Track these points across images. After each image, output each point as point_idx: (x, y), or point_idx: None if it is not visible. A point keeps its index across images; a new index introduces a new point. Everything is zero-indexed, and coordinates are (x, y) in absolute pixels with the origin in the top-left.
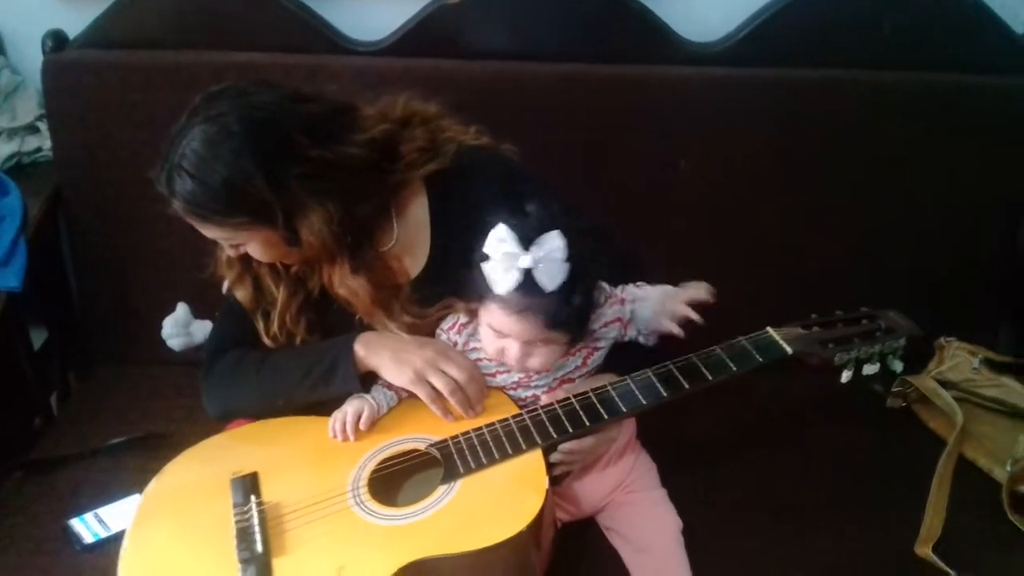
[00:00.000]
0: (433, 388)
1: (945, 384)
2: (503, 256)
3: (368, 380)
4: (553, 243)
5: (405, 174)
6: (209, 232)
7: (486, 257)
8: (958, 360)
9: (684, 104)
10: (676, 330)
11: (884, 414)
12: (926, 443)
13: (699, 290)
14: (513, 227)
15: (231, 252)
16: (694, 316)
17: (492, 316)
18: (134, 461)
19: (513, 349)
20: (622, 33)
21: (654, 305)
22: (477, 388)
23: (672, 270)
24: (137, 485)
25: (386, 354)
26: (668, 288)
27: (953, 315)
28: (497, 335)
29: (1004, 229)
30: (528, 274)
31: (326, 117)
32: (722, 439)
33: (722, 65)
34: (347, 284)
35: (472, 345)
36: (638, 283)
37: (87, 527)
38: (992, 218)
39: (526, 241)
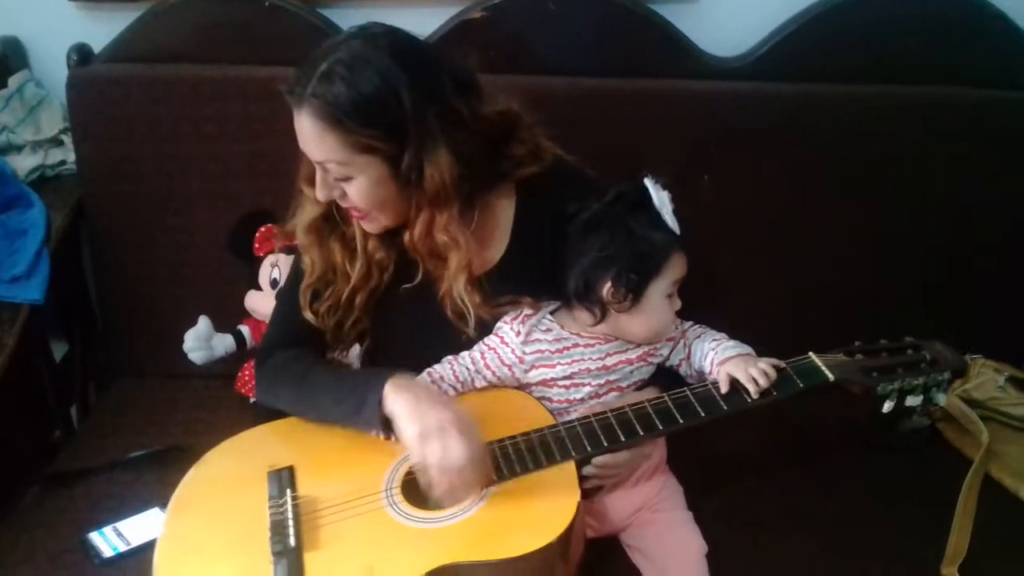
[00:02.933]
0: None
1: (970, 402)
2: (665, 201)
3: None
4: (648, 180)
5: (510, 170)
6: (326, 150)
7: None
8: (984, 378)
9: (707, 118)
10: (726, 387)
11: (910, 433)
12: (952, 462)
13: (771, 370)
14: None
15: (322, 195)
16: (751, 389)
17: (674, 270)
18: (154, 474)
19: (677, 299)
20: (645, 48)
21: (723, 355)
22: (470, 475)
23: (695, 288)
24: (157, 499)
25: (405, 406)
26: (748, 350)
27: (979, 332)
28: (670, 295)
29: None
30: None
31: (467, 75)
32: (746, 458)
33: (745, 80)
34: (451, 231)
35: (535, 336)
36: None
37: (106, 541)
38: (1018, 233)
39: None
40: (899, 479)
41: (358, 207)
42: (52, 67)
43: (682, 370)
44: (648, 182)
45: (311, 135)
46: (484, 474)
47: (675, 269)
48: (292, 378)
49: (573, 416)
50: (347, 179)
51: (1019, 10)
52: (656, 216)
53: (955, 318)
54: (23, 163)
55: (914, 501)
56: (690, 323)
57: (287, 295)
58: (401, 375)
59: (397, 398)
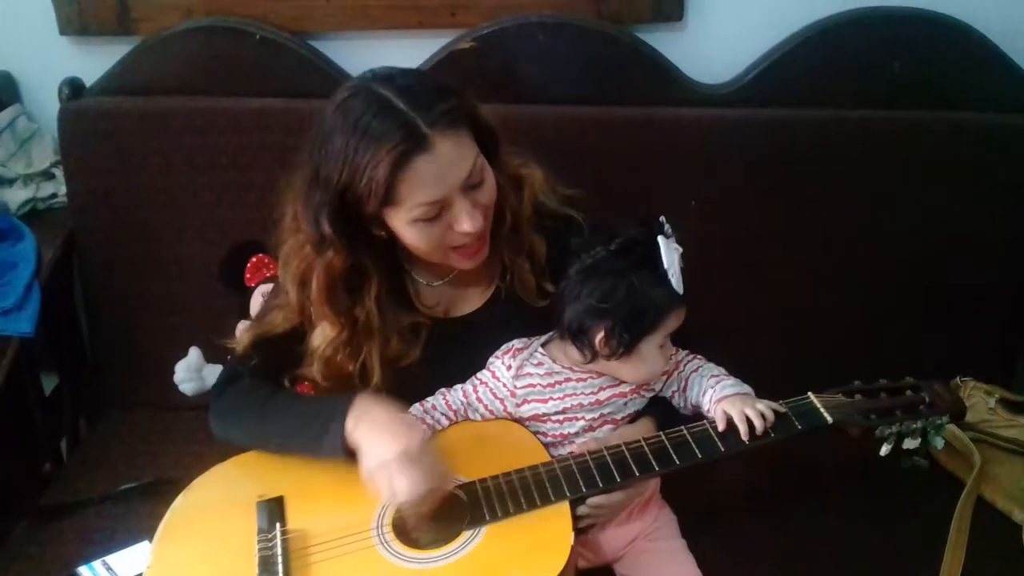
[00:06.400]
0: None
1: (962, 425)
2: (674, 259)
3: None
4: (663, 226)
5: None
6: (472, 151)
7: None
8: (974, 400)
9: (695, 145)
10: (723, 425)
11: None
12: (945, 485)
13: (768, 412)
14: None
15: (474, 224)
16: (743, 430)
17: (669, 325)
18: (144, 507)
19: (670, 345)
20: (633, 76)
21: (721, 393)
22: (418, 505)
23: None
24: (146, 532)
25: (365, 437)
26: (747, 390)
27: (968, 354)
28: (662, 344)
29: (1020, 266)
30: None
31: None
32: (740, 486)
33: (732, 106)
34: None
35: (526, 370)
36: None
37: (95, 575)
38: (1007, 255)
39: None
40: (893, 503)
41: (489, 207)
42: (44, 101)
43: (675, 401)
44: (661, 239)
45: (458, 151)
46: (436, 497)
47: (671, 324)
48: (253, 405)
49: (568, 452)
50: (482, 180)
51: (1001, 34)
52: (662, 274)
53: (945, 340)
54: (14, 196)
55: (908, 524)
56: (685, 353)
57: (271, 346)
58: (363, 401)
59: (356, 430)
